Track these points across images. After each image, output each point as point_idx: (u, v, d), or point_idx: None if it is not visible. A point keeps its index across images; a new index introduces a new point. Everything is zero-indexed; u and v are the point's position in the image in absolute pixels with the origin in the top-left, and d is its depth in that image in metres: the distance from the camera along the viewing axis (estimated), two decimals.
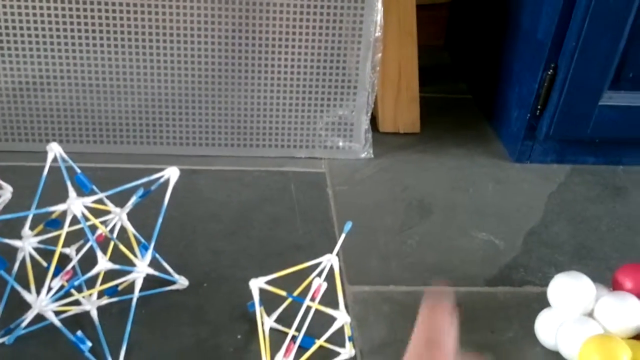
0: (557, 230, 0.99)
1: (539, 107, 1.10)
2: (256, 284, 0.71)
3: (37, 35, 1.00)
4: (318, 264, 0.73)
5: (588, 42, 1.03)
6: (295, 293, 0.75)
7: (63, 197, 0.69)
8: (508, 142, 1.19)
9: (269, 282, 0.71)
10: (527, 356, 0.77)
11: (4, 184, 0.75)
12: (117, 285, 0.76)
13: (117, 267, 0.67)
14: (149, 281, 0.77)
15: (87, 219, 0.68)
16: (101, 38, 1.01)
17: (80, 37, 1.00)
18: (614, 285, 0.78)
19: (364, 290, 0.85)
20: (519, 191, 1.08)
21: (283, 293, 0.72)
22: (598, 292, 0.75)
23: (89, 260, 0.70)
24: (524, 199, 1.06)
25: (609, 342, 0.67)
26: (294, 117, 1.09)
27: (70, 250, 0.82)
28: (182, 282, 0.82)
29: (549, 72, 1.07)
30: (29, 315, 0.67)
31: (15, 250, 0.73)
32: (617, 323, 0.71)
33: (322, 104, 1.09)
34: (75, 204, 0.68)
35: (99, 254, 0.65)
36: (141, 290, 0.71)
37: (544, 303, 0.79)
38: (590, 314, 0.74)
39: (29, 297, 0.67)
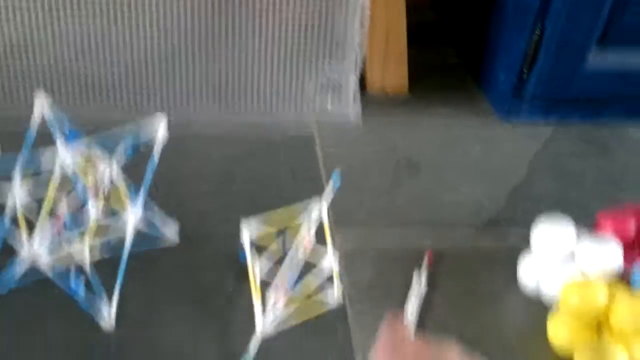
0: (542, 185, 1.00)
1: (526, 67, 1.11)
2: (248, 232, 0.72)
3: None
4: (308, 210, 0.74)
5: (574, 2, 1.04)
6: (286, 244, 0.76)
7: (52, 150, 0.70)
8: (495, 102, 1.20)
9: (259, 234, 0.72)
10: (509, 303, 0.79)
11: None
12: (108, 237, 0.77)
13: (109, 216, 0.68)
14: (139, 235, 0.78)
15: (76, 169, 0.69)
16: (86, 1, 1.00)
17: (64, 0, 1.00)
18: (595, 229, 0.80)
19: (352, 240, 0.86)
20: (505, 149, 1.09)
21: (274, 242, 0.73)
22: (579, 236, 0.76)
23: (80, 214, 0.71)
24: (510, 157, 1.07)
25: (588, 284, 0.69)
26: (282, 79, 1.10)
27: (60, 203, 0.83)
28: (172, 235, 0.83)
29: (537, 33, 1.08)
30: (22, 265, 0.68)
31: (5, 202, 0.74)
32: (596, 265, 0.73)
33: (310, 65, 1.09)
34: (65, 153, 0.68)
35: (91, 202, 0.66)
36: (132, 244, 0.73)
37: (527, 254, 0.80)
38: (571, 257, 0.76)
39: (21, 246, 0.68)
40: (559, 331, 0.70)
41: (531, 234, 0.79)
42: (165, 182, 0.93)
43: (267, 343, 0.68)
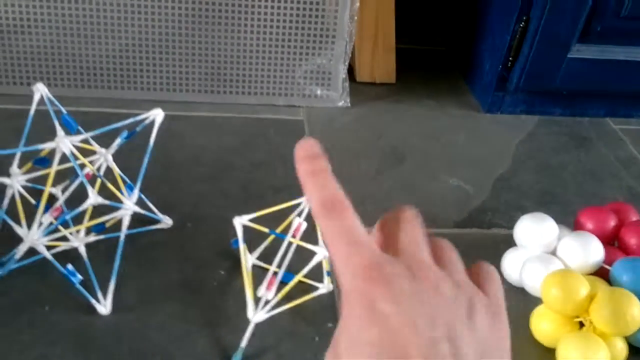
0: (524, 177, 1.04)
1: (510, 58, 1.14)
2: (240, 222, 0.74)
3: None
4: (298, 204, 0.77)
5: None
6: (277, 231, 0.78)
7: (49, 138, 0.71)
8: (480, 94, 1.22)
9: (251, 221, 0.75)
10: None
11: None
12: (104, 223, 0.79)
13: (106, 202, 0.69)
14: (134, 220, 0.79)
15: (75, 158, 0.70)
16: None
17: None
18: (576, 226, 0.83)
19: None
20: (488, 140, 1.12)
21: (266, 230, 0.75)
22: (560, 232, 0.80)
23: (76, 200, 0.72)
24: (493, 148, 1.10)
25: (569, 277, 0.72)
26: (273, 65, 1.11)
27: (57, 190, 0.84)
28: (166, 221, 0.84)
29: (521, 25, 1.10)
30: (21, 249, 0.70)
31: (4, 187, 0.75)
32: (577, 260, 0.76)
33: (300, 52, 1.11)
34: (64, 142, 0.69)
35: (89, 188, 0.67)
36: (127, 228, 0.74)
37: (510, 244, 0.84)
38: (553, 253, 0.79)
39: (20, 231, 0.70)
40: (541, 324, 0.73)
41: (514, 229, 0.82)
42: (158, 166, 0.95)
43: (257, 328, 0.70)
